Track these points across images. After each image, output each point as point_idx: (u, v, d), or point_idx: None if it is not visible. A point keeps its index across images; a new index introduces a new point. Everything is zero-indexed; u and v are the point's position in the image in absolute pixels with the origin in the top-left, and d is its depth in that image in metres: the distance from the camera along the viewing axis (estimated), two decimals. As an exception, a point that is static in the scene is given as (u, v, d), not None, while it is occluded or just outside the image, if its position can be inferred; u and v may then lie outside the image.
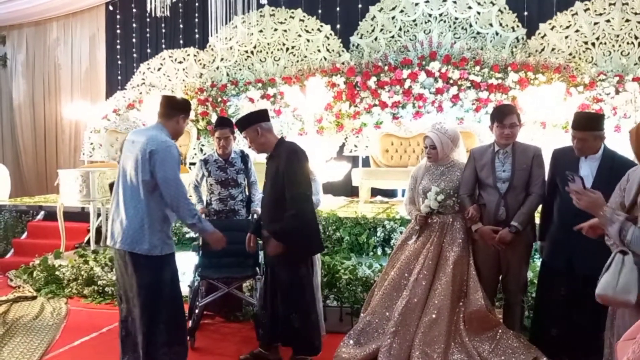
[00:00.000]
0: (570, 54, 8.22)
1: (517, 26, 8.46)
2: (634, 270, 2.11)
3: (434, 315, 3.54)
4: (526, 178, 3.54)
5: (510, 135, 3.56)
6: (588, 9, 8.15)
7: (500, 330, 3.55)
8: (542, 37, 8.36)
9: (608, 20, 8.07)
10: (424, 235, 3.79)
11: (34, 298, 5.50)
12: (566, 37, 8.25)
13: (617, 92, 7.66)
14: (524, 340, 3.53)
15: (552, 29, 8.31)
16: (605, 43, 8.10)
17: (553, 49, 8.28)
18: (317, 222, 3.78)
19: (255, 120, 3.56)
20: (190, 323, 4.05)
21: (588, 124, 3.30)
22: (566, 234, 2.99)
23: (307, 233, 3.58)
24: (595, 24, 8.13)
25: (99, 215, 6.62)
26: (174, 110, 3.32)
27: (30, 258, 6.27)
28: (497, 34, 8.51)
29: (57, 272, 5.79)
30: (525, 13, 8.47)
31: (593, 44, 8.16)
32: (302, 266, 3.61)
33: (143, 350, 3.10)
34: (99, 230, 6.65)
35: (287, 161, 3.46)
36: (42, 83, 11.34)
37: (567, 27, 8.25)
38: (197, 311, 4.19)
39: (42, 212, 7.40)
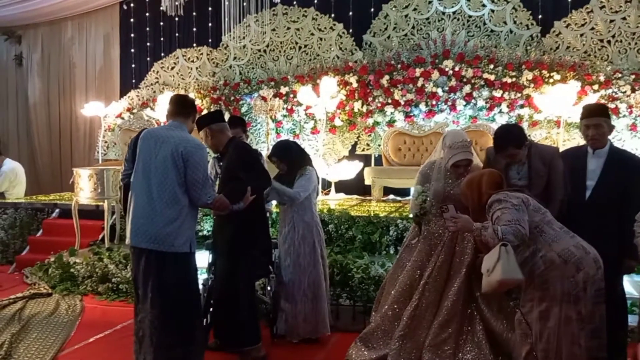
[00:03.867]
0: (585, 52, 8.12)
1: (532, 24, 8.38)
2: (513, 253, 2.65)
3: (445, 318, 3.51)
4: (544, 184, 3.41)
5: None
6: (604, 6, 8.05)
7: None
8: (557, 35, 8.28)
9: (624, 18, 7.97)
10: (435, 237, 3.68)
11: (49, 295, 5.56)
12: (581, 35, 8.16)
13: (633, 90, 7.55)
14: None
15: (567, 26, 8.23)
16: (621, 41, 8.00)
17: (568, 47, 8.20)
18: (266, 220, 4.01)
19: (205, 123, 3.78)
20: (205, 321, 4.07)
21: (600, 111, 3.36)
22: (573, 230, 2.93)
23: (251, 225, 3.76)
24: (611, 21, 8.03)
25: (113, 213, 6.67)
26: (190, 108, 3.39)
27: (45, 255, 6.34)
28: (511, 31, 8.44)
29: (72, 270, 5.84)
30: (540, 11, 8.38)
31: (609, 42, 8.06)
32: (242, 258, 3.74)
33: (160, 350, 3.10)
34: (113, 228, 6.71)
35: (237, 157, 3.70)
36: (57, 82, 11.43)
37: (583, 25, 8.15)
38: (211, 309, 4.20)
39: (57, 210, 7.46)
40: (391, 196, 8.11)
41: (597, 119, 3.28)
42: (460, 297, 3.51)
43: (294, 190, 4.07)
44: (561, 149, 3.64)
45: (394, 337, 3.56)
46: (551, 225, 2.81)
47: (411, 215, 3.85)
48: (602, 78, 7.64)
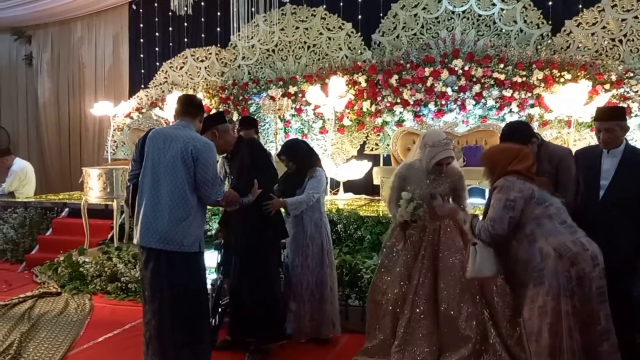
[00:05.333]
0: (596, 51, 8.04)
1: (542, 23, 8.31)
2: (483, 251, 2.88)
3: (447, 324, 3.49)
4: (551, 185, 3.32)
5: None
6: (615, 5, 7.97)
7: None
8: (568, 34, 8.20)
9: (636, 17, 7.88)
10: (415, 239, 3.68)
11: (58, 294, 5.58)
12: (592, 34, 8.08)
13: (645, 89, 7.49)
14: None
15: (577, 25, 8.15)
16: (633, 40, 7.91)
17: (579, 46, 8.11)
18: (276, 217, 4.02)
19: (212, 124, 3.79)
20: (213, 322, 4.06)
21: (613, 114, 3.31)
22: (587, 231, 2.88)
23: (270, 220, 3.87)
24: (623, 20, 7.94)
25: (122, 212, 6.68)
26: (198, 109, 3.38)
27: (55, 254, 6.37)
28: (521, 31, 8.38)
29: (81, 269, 5.86)
30: (551, 10, 8.30)
31: (620, 41, 7.97)
32: (272, 255, 3.90)
33: (169, 350, 3.10)
34: (122, 227, 6.73)
35: (249, 155, 3.80)
36: (66, 82, 11.49)
37: (594, 24, 8.07)
38: (220, 310, 4.19)
39: (67, 209, 7.50)
40: (400, 196, 8.06)
41: (608, 122, 3.24)
42: (456, 301, 3.48)
43: (306, 194, 4.07)
44: (572, 149, 3.59)
45: (392, 350, 3.54)
46: (552, 219, 2.79)
47: (398, 220, 3.75)
48: (613, 77, 7.56)
